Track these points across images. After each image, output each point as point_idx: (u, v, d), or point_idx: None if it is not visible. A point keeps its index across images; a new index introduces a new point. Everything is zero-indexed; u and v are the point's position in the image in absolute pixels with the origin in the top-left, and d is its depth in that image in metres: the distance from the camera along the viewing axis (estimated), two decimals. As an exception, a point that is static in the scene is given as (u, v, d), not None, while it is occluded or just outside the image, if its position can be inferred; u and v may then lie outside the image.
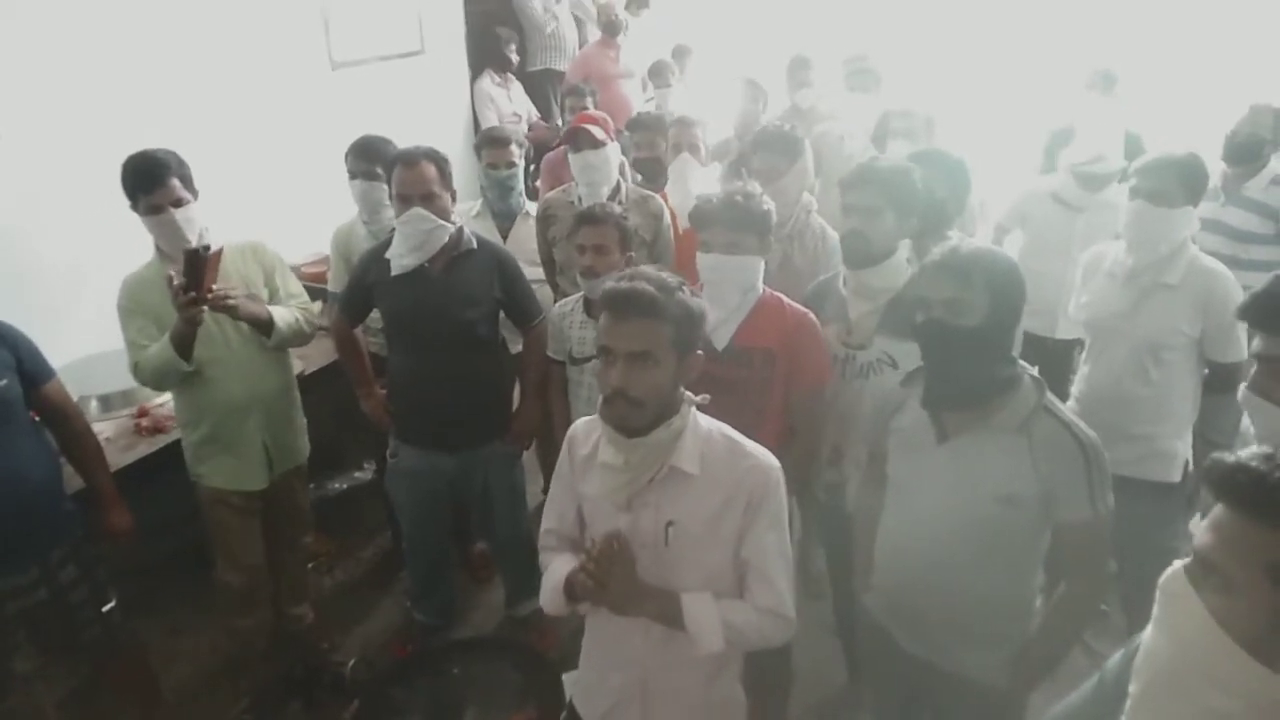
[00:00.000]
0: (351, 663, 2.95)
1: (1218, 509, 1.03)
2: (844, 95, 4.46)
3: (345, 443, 3.94)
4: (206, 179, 3.72)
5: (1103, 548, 1.78)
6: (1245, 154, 3.20)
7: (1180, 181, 2.34)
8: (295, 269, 4.22)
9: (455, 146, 5.32)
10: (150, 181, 2.41)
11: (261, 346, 2.64)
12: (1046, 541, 1.78)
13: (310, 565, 3.54)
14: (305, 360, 3.37)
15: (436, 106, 5.35)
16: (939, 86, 5.09)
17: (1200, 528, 1.03)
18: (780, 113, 4.73)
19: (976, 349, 1.69)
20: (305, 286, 3.99)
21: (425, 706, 2.57)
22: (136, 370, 2.51)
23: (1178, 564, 1.06)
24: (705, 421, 1.66)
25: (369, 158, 3.07)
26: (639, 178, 3.63)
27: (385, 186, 2.81)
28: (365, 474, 4.03)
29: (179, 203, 2.45)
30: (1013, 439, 1.71)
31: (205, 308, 2.36)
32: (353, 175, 3.12)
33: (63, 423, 2.40)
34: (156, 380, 2.54)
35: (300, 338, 2.72)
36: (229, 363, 2.58)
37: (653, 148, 3.58)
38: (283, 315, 2.62)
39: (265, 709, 2.87)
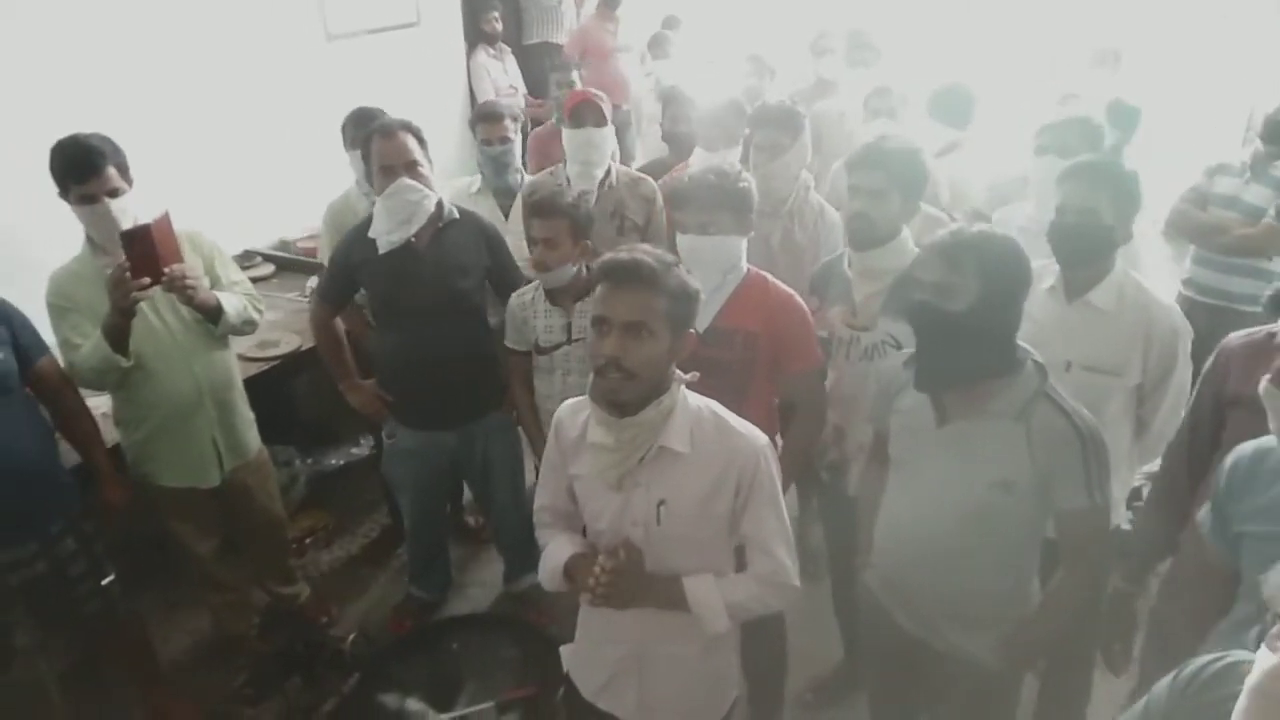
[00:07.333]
0: (351, 637, 2.96)
1: None
2: (844, 70, 4.43)
3: (341, 418, 3.92)
4: (198, 154, 3.73)
5: (1101, 537, 1.77)
6: None
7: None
8: (290, 244, 4.23)
9: (452, 120, 5.27)
10: (84, 170, 2.24)
11: (207, 335, 2.52)
12: (1045, 527, 1.78)
13: (308, 540, 3.56)
14: (302, 335, 3.35)
15: (432, 79, 5.29)
16: (940, 63, 5.06)
17: None
18: (804, 87, 4.63)
19: (964, 334, 1.66)
20: (302, 261, 4.01)
21: (424, 681, 2.58)
22: (73, 371, 2.37)
23: (1270, 661, 0.83)
24: (695, 399, 1.66)
25: (369, 126, 3.00)
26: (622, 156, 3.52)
27: None
28: (362, 450, 4.03)
29: (115, 193, 2.29)
30: (1010, 425, 1.69)
31: (148, 291, 2.21)
32: (353, 145, 3.03)
33: (57, 399, 2.39)
34: (96, 379, 2.39)
35: (250, 326, 2.60)
36: (173, 355, 2.46)
37: (689, 121, 3.45)
38: (231, 302, 2.50)
39: (264, 683, 2.88)
